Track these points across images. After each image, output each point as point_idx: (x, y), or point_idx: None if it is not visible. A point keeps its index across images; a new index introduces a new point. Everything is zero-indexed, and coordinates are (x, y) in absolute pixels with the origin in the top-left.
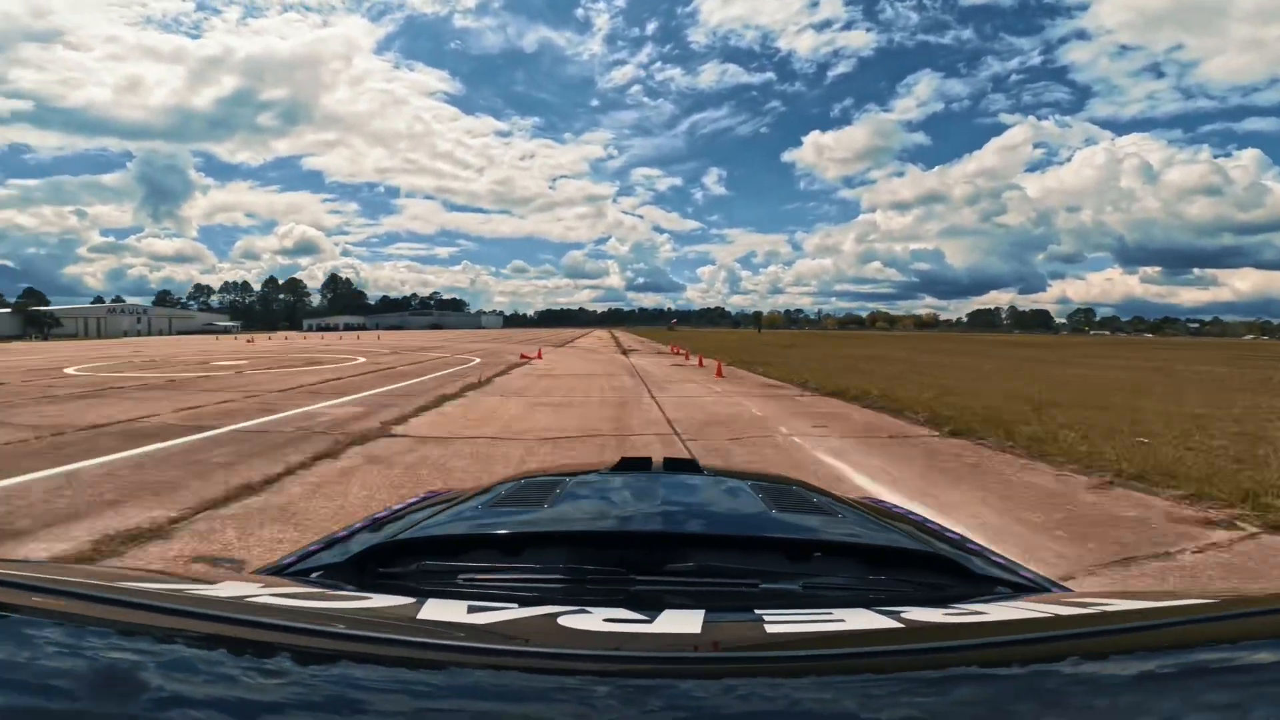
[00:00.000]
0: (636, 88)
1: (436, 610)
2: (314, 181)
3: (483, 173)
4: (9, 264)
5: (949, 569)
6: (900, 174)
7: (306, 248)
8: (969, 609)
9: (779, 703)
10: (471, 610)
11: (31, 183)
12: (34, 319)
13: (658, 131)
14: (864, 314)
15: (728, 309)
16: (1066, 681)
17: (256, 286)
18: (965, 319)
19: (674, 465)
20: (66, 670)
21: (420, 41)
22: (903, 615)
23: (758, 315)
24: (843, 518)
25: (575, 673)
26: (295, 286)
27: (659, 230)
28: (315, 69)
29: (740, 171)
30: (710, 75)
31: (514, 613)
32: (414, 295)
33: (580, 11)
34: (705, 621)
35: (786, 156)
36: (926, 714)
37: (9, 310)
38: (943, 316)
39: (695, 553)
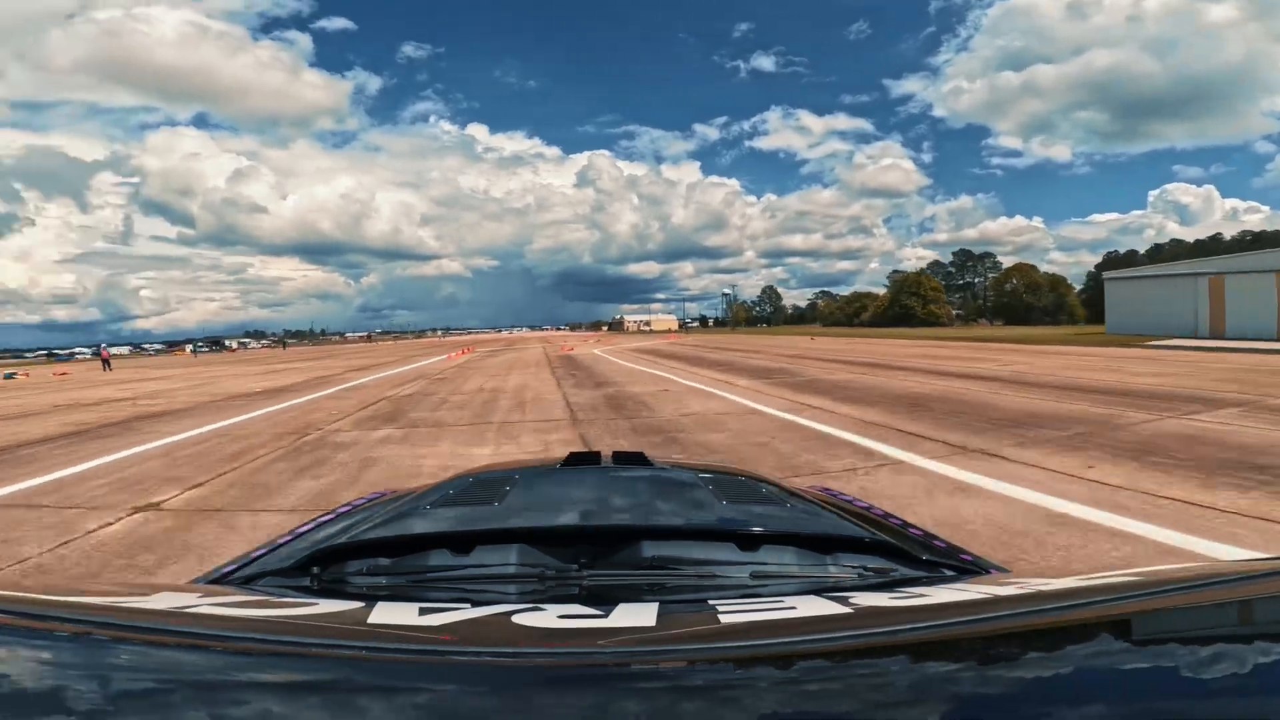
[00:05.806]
0: None
1: (387, 613)
2: None
3: None
4: None
5: (895, 554)
6: None
7: None
8: (915, 593)
9: (735, 691)
10: (423, 612)
11: None
12: None
13: None
14: None
15: None
16: (1004, 658)
17: None
18: None
19: (622, 459)
20: None
21: None
22: (851, 601)
23: None
24: (791, 507)
25: (532, 671)
26: None
27: None
28: None
29: None
30: None
31: (467, 613)
32: None
33: None
34: (659, 613)
35: None
36: (878, 695)
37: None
38: None
39: (647, 546)
